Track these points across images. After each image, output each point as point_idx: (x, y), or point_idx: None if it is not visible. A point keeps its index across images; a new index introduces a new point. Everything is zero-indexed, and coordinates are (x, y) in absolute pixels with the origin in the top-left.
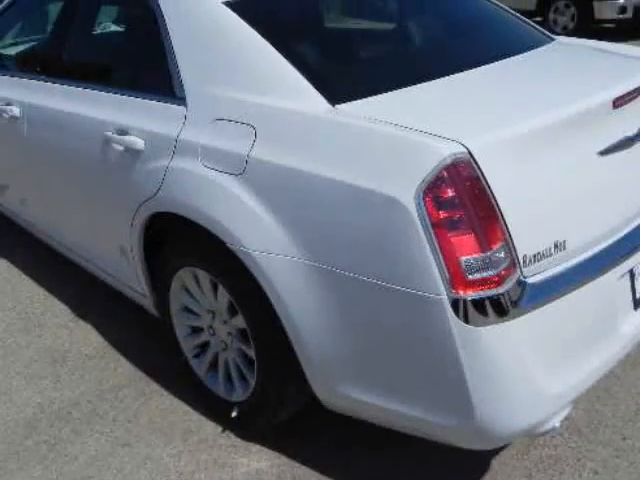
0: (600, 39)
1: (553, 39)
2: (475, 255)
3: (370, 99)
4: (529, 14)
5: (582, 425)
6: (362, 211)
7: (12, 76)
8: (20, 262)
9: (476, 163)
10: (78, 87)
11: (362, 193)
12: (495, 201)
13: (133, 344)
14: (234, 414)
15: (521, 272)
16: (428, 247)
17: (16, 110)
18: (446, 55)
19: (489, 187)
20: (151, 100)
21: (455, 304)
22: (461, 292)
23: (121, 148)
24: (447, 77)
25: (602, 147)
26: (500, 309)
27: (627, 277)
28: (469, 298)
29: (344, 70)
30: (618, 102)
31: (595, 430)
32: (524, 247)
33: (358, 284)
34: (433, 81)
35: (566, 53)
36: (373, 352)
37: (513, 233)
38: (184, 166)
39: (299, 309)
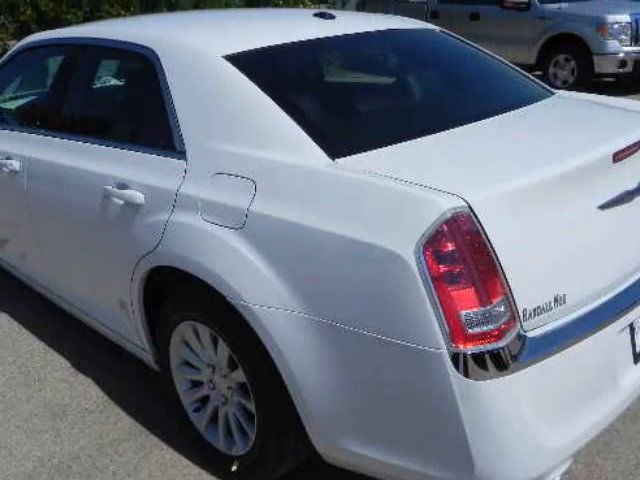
0: (600, 93)
1: (553, 93)
2: (475, 309)
3: (370, 153)
4: (529, 68)
5: (582, 479)
6: (362, 265)
7: (12, 130)
8: (20, 316)
9: (476, 217)
10: (78, 141)
11: (362, 247)
12: (495, 255)
13: (133, 398)
14: (234, 468)
15: (521, 326)
16: (428, 301)
17: (16, 164)
18: (446, 109)
19: (489, 241)
20: (151, 154)
21: (455, 358)
22: (461, 346)
23: (121, 202)
24: (447, 131)
25: (602, 201)
26: (500, 363)
27: (627, 331)
28: (469, 352)
29: (344, 124)
30: (618, 156)
31: None
32: (524, 301)
33: (358, 338)
34: (433, 135)
35: (566, 107)
36: (373, 406)
37: (513, 287)
38: (184, 220)
39: (299, 363)
